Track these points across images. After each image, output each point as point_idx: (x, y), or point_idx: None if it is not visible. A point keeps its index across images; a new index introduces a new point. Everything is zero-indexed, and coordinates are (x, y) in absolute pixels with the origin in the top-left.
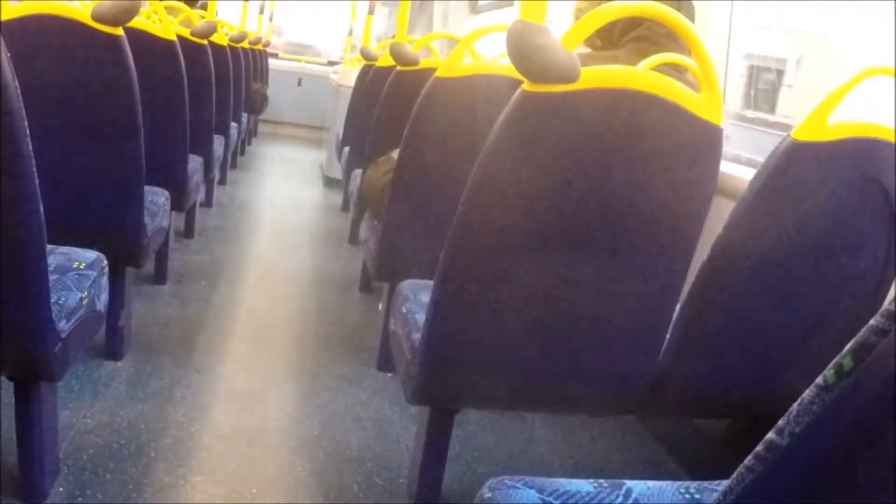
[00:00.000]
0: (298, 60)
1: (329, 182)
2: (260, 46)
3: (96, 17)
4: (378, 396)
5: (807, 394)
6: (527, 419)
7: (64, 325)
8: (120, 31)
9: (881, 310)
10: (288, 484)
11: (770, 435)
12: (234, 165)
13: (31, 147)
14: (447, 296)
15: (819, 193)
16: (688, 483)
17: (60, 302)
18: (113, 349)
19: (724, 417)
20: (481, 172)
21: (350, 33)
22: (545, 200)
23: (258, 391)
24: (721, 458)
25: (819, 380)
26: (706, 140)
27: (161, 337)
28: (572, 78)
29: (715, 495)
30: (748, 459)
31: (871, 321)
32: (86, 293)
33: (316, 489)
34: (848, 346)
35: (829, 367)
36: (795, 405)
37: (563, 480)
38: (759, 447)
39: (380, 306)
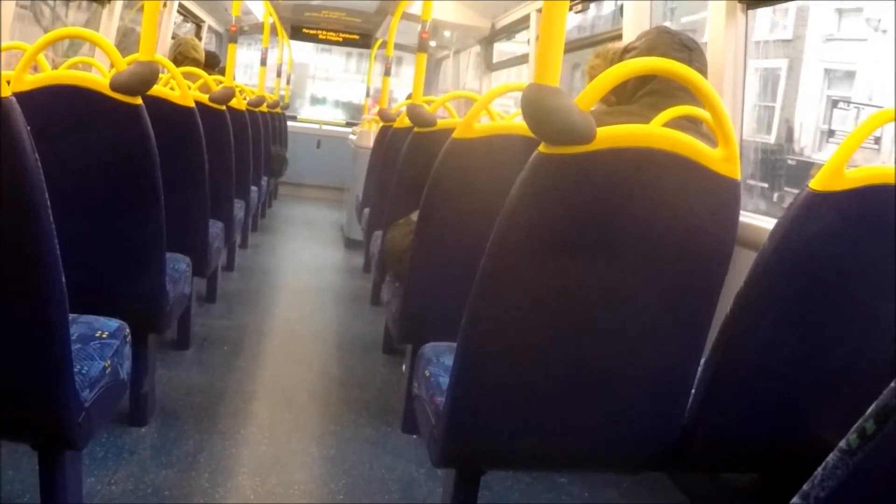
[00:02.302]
0: (317, 123)
1: (350, 243)
2: (278, 109)
3: (115, 87)
4: (403, 459)
5: (830, 458)
6: (554, 478)
7: (87, 395)
8: (139, 101)
9: None
10: None
11: (795, 500)
12: (255, 228)
13: (51, 218)
14: (470, 357)
15: (840, 243)
16: None
17: (84, 371)
18: (137, 415)
19: (751, 471)
20: (500, 233)
21: (367, 95)
22: (564, 260)
23: (282, 455)
24: None
25: (842, 444)
26: (724, 194)
27: (185, 402)
28: (587, 139)
29: None
30: None
31: (893, 383)
32: (109, 362)
33: None
34: (870, 410)
35: (852, 430)
36: (819, 470)
37: None
38: None
39: (403, 368)
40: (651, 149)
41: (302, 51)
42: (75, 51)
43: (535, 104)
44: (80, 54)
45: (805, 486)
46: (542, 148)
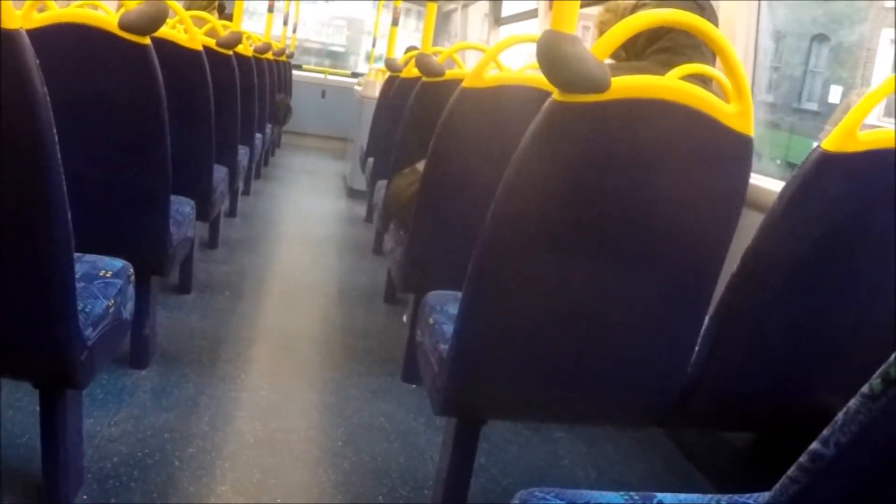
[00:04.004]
0: (322, 72)
1: (353, 193)
2: (284, 58)
3: (123, 27)
4: (403, 408)
5: (852, 403)
6: (552, 432)
7: (90, 333)
8: (147, 41)
9: None
10: (312, 495)
11: (815, 445)
12: (258, 176)
13: (58, 154)
14: (476, 305)
15: (850, 204)
16: (719, 496)
17: (87, 310)
18: (138, 358)
19: (752, 430)
20: (511, 181)
21: (373, 45)
22: (574, 209)
23: (282, 401)
24: (748, 471)
25: (865, 388)
26: (736, 150)
27: (186, 346)
28: (603, 88)
29: None
30: (792, 470)
31: None
32: (112, 301)
33: (341, 500)
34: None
35: (876, 375)
36: (841, 414)
37: (595, 493)
38: (803, 458)
39: (404, 318)
40: (666, 101)
41: (359, 7)
42: None
43: (552, 50)
44: None
45: (825, 432)
46: (556, 95)
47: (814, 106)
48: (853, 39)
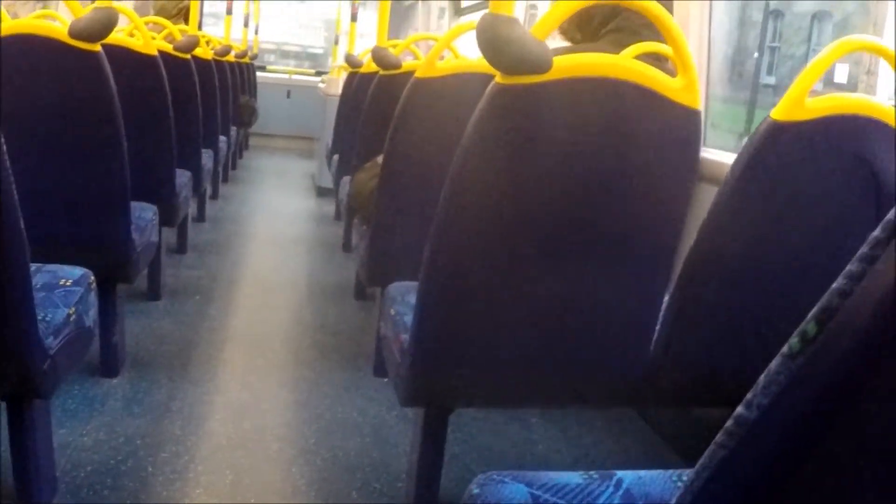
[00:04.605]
0: (287, 72)
1: (321, 192)
2: (246, 59)
3: (73, 34)
4: (375, 402)
5: (773, 364)
6: (525, 417)
7: (52, 342)
8: (97, 48)
9: (843, 272)
10: (286, 493)
11: (739, 409)
12: (225, 179)
13: (9, 167)
14: (432, 294)
15: (802, 174)
16: (680, 471)
17: (47, 319)
18: (108, 366)
19: (719, 405)
20: (458, 168)
21: (336, 42)
22: (524, 193)
23: (254, 402)
24: None
25: (784, 348)
26: (685, 125)
27: (156, 352)
28: (544, 68)
29: None
30: (719, 436)
31: (834, 284)
32: (73, 310)
33: (314, 497)
34: (812, 312)
35: (794, 334)
36: (762, 376)
37: (553, 473)
38: (728, 422)
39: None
40: (609, 78)
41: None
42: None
43: (491, 33)
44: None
45: (748, 395)
46: (498, 78)
47: (819, 87)
48: (858, 15)
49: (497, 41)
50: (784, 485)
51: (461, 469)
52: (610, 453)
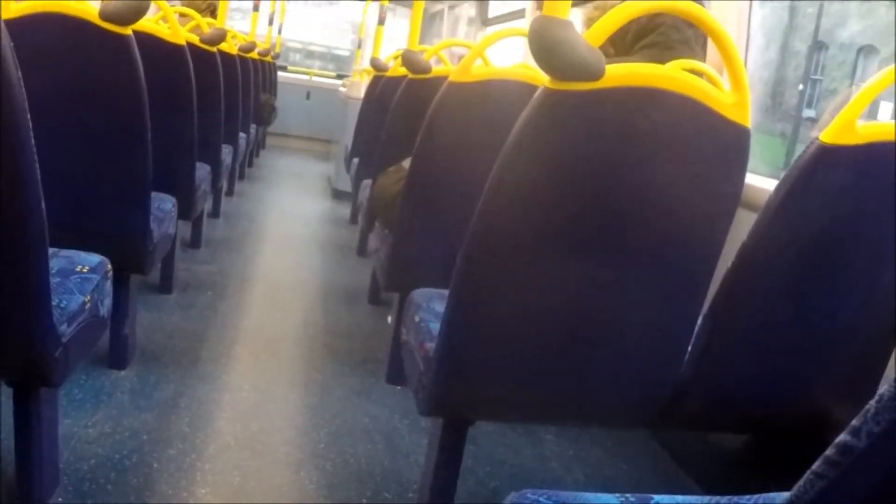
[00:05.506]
0: (307, 73)
1: (337, 194)
2: (269, 58)
3: (104, 17)
4: (387, 409)
5: (885, 390)
6: (539, 434)
7: (65, 329)
8: (128, 32)
9: None
10: (293, 498)
11: (843, 437)
12: (242, 177)
13: (33, 141)
14: (464, 303)
15: (848, 199)
16: (718, 497)
17: (62, 305)
18: (117, 358)
19: (744, 432)
20: (500, 173)
21: (359, 45)
22: (566, 202)
23: (264, 402)
24: (737, 473)
25: None
26: (734, 142)
27: (166, 346)
28: (597, 75)
29: None
30: (817, 465)
31: None
32: (88, 297)
33: (322, 503)
34: None
35: None
36: (873, 402)
37: (589, 495)
38: (830, 451)
39: (388, 319)
40: (662, 89)
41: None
42: None
43: (544, 36)
44: None
45: (855, 422)
46: (548, 83)
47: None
48: None
49: (550, 44)
50: None
51: (474, 483)
52: (623, 474)
